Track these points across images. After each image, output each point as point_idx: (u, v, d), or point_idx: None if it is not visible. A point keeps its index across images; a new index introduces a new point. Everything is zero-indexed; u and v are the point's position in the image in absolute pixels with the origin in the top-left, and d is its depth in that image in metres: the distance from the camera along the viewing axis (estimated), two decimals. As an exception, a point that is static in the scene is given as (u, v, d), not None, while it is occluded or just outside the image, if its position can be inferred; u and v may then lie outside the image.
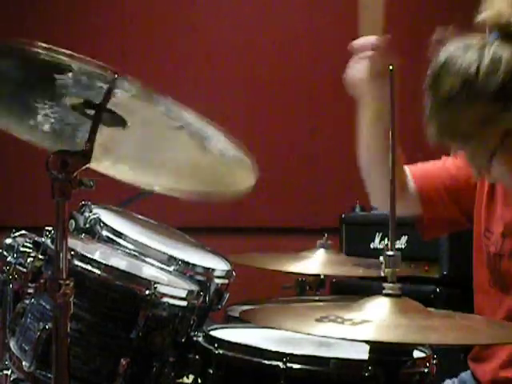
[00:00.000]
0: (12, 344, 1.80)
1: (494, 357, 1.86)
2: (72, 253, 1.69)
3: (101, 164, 1.62)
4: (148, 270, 1.92)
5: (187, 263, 2.00)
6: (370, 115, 1.81)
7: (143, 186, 1.82)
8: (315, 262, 2.42)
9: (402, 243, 3.01)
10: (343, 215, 3.36)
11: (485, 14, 1.60)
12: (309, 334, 1.31)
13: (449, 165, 1.96)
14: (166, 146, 1.65)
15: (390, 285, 1.36)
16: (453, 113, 1.60)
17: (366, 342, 1.31)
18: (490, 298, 1.88)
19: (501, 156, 1.62)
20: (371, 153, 1.88)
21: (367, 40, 1.78)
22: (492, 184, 1.86)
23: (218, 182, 1.76)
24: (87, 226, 2.01)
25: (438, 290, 2.94)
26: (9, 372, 1.84)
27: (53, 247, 1.70)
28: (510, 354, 1.82)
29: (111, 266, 1.75)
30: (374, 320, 1.29)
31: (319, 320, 1.30)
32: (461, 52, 1.59)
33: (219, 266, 2.12)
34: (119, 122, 1.53)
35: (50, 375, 1.64)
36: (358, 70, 1.78)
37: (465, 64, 1.57)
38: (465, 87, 1.56)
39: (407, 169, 1.99)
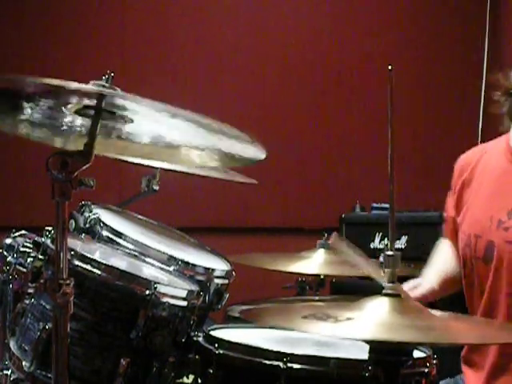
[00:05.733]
0: (12, 344, 1.80)
1: (486, 363, 1.87)
2: (72, 253, 1.69)
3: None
4: (148, 270, 1.92)
5: (187, 263, 2.00)
6: None
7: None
8: (315, 262, 2.43)
9: (401, 243, 3.01)
10: (343, 215, 3.36)
11: None
12: (291, 329, 1.31)
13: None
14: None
15: (390, 284, 1.36)
16: None
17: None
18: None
19: None
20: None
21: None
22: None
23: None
24: (87, 225, 2.01)
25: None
26: (9, 372, 1.84)
27: (53, 247, 1.70)
28: (499, 362, 1.83)
29: (111, 266, 1.75)
30: (359, 318, 1.30)
31: (305, 317, 1.31)
32: None
33: (219, 266, 2.12)
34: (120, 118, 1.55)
35: (50, 375, 1.64)
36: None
37: None
38: None
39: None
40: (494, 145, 2.00)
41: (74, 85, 1.38)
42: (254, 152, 1.62)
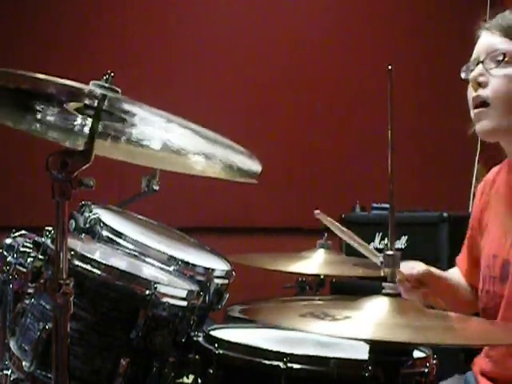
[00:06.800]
0: (12, 344, 1.80)
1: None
2: (72, 253, 1.69)
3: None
4: (148, 270, 1.92)
5: (187, 263, 2.00)
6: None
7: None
8: (315, 262, 2.43)
9: (402, 243, 3.01)
10: (343, 215, 3.36)
11: None
12: (289, 328, 1.30)
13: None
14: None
15: (390, 284, 1.36)
16: None
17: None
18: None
19: None
20: None
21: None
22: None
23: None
24: (87, 225, 2.01)
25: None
26: (9, 372, 1.84)
27: (53, 247, 1.70)
28: None
29: (111, 266, 1.75)
30: (358, 317, 1.30)
31: (303, 315, 1.32)
32: None
33: (219, 266, 2.12)
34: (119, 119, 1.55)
35: (50, 375, 1.64)
36: (411, 297, 1.87)
37: None
38: None
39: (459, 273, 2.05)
40: (505, 165, 2.00)
41: (86, 87, 1.38)
42: (251, 164, 1.63)
